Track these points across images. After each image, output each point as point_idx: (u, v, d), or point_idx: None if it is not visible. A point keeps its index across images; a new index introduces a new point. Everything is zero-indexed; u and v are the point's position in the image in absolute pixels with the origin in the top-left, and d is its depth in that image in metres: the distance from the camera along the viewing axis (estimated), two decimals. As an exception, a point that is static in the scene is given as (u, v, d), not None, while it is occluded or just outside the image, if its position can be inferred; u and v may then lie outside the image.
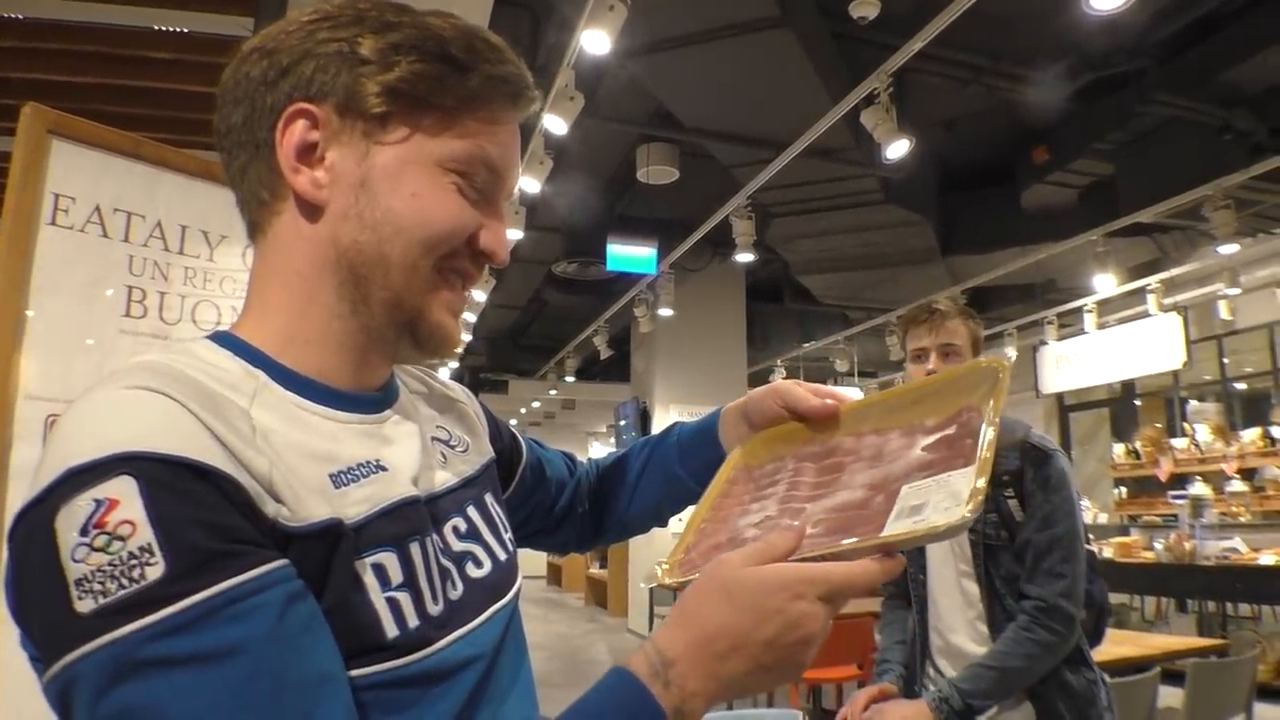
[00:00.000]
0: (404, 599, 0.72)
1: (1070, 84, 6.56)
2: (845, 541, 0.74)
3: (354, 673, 0.66)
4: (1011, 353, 10.21)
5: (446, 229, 0.77)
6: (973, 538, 2.21)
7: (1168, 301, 8.83)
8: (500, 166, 0.81)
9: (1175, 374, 9.89)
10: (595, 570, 14.07)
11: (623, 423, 11.82)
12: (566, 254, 9.50)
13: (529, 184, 6.01)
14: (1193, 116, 6.50)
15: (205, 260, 2.15)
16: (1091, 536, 2.38)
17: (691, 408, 10.93)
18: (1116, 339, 9.18)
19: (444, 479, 0.86)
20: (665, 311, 9.29)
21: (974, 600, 2.22)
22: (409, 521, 0.75)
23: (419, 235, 0.76)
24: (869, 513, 0.79)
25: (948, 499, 0.72)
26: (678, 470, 1.17)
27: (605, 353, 11.42)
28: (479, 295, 9.07)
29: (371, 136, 0.77)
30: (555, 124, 5.06)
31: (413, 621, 0.72)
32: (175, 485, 0.59)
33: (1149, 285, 8.49)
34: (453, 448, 0.93)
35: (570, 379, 13.80)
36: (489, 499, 0.93)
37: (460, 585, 0.80)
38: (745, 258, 7.38)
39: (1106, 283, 8.08)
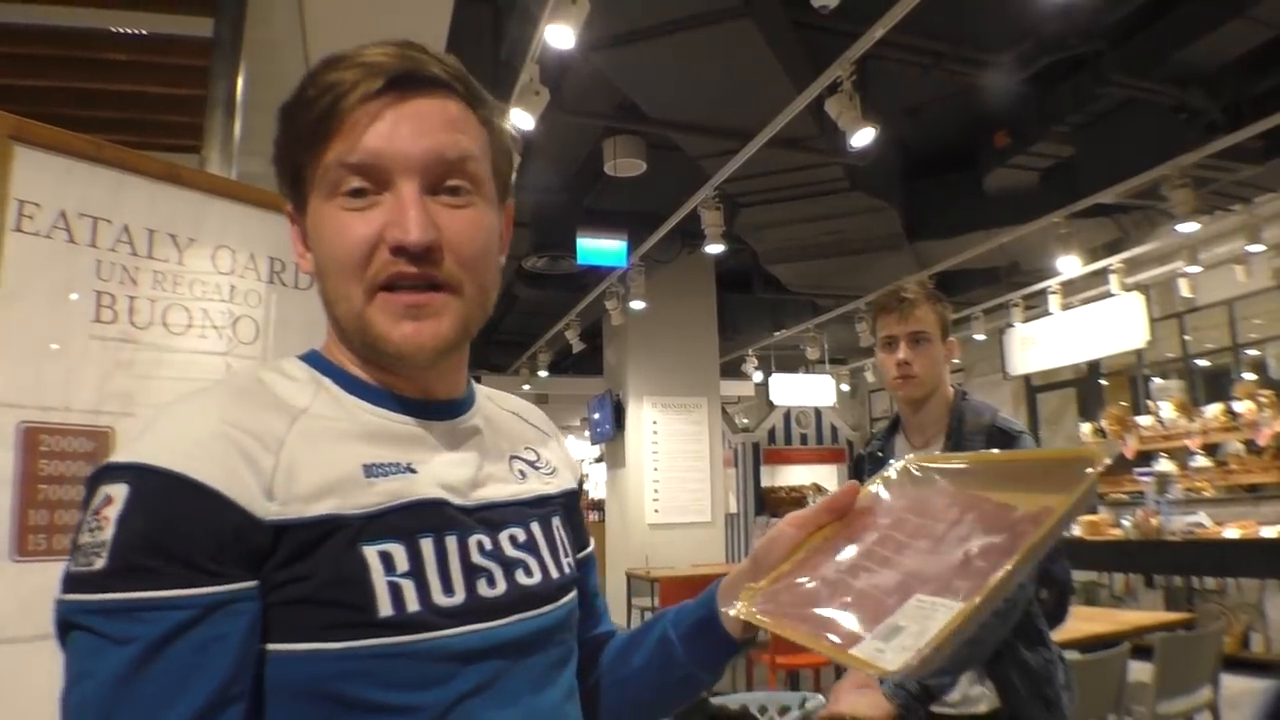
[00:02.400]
0: (407, 586, 0.80)
1: (1028, 68, 6.63)
2: (826, 642, 0.76)
3: (339, 644, 0.76)
4: (979, 336, 10.33)
5: (344, 253, 0.84)
6: None
7: (1129, 281, 8.95)
8: (373, 155, 0.83)
9: (1139, 353, 10.02)
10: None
11: (596, 416, 11.84)
12: (536, 249, 9.50)
13: (496, 179, 5.98)
14: (1149, 97, 6.58)
15: (174, 264, 2.14)
16: None
17: (665, 399, 10.97)
18: (1081, 319, 9.30)
19: (512, 491, 0.96)
20: (637, 304, 9.32)
21: None
22: (424, 519, 0.84)
23: (332, 270, 0.86)
24: (879, 611, 0.78)
25: (914, 635, 0.71)
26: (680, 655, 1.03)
27: (577, 346, 11.43)
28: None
29: (303, 210, 0.90)
30: (521, 119, 5.06)
31: (413, 607, 0.80)
32: (157, 500, 0.73)
33: (1111, 265, 8.61)
34: (537, 469, 1.03)
35: (543, 373, 13.80)
36: (556, 523, 1.01)
37: (504, 585, 0.88)
38: (715, 248, 7.41)
39: (1070, 264, 8.19)
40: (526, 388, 15.09)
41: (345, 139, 0.83)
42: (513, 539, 0.92)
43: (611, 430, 11.21)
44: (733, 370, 13.68)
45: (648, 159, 7.47)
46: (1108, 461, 0.77)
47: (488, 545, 0.89)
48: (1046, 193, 7.86)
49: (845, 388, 16.00)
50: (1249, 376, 9.17)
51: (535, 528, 0.96)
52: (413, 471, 0.85)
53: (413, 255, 0.82)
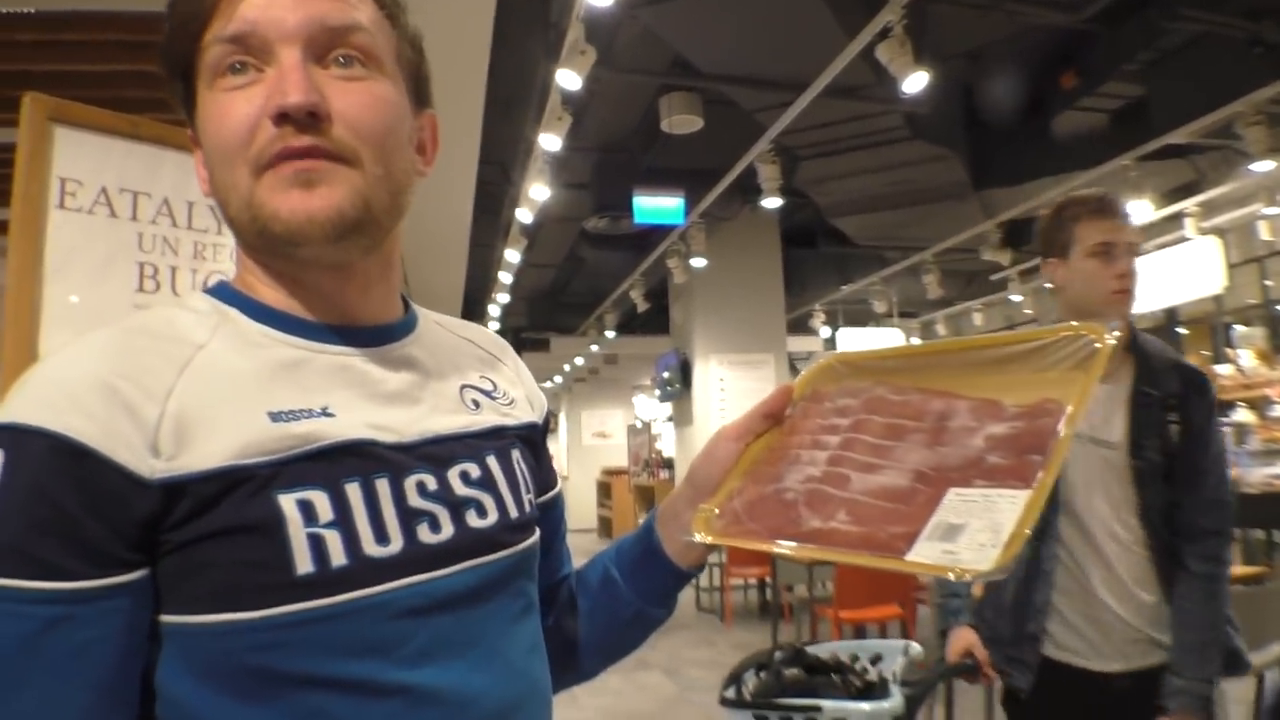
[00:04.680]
0: (331, 537, 0.72)
1: (1093, 4, 6.40)
2: (867, 554, 0.74)
3: (255, 613, 0.69)
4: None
5: (227, 134, 0.77)
6: (1139, 464, 2.01)
7: (1206, 225, 8.63)
8: (249, 24, 0.77)
9: (1217, 299, 9.69)
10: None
11: (665, 374, 11.85)
12: (596, 210, 9.49)
13: (550, 142, 6.01)
14: (1222, 30, 6.30)
15: (214, 234, 2.21)
16: None
17: (732, 356, 10.92)
18: (1156, 265, 8.99)
19: (463, 422, 0.87)
20: (698, 262, 9.28)
21: (1135, 536, 2.02)
22: (347, 464, 0.75)
23: (217, 159, 0.79)
24: (908, 510, 0.75)
25: (986, 531, 0.68)
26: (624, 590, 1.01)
27: (643, 306, 11.44)
28: (512, 255, 9.11)
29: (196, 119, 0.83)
30: (569, 79, 5.06)
31: (339, 560, 0.71)
32: (24, 467, 0.65)
33: (1186, 209, 8.32)
34: (493, 398, 0.94)
35: (611, 334, 13.84)
36: (517, 456, 0.91)
37: (451, 529, 0.79)
38: (773, 203, 7.33)
39: (1142, 208, 7.93)
40: (595, 348, 15.18)
41: (223, 15, 0.77)
42: (464, 475, 0.83)
43: (679, 388, 11.21)
44: (800, 326, 13.58)
45: (704, 115, 7.40)
46: (1115, 337, 0.72)
47: (431, 485, 0.80)
48: (1117, 135, 7.59)
49: (915, 340, 15.78)
50: None
51: (492, 462, 0.87)
52: (328, 415, 0.76)
53: (297, 122, 0.75)
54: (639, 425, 17.45)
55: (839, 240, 10.74)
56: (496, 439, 0.90)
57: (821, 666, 1.70)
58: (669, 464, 13.68)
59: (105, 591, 0.66)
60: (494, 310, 11.98)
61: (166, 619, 0.69)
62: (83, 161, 1.99)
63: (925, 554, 0.69)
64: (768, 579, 8.26)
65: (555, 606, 1.05)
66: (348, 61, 0.79)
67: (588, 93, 5.38)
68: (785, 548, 0.80)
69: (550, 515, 1.02)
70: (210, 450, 0.70)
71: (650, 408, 18.59)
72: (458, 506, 0.81)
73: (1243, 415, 8.32)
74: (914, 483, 0.78)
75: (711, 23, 5.99)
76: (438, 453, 0.82)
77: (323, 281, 0.82)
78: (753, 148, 7.02)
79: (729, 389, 10.95)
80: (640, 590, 0.98)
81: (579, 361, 16.88)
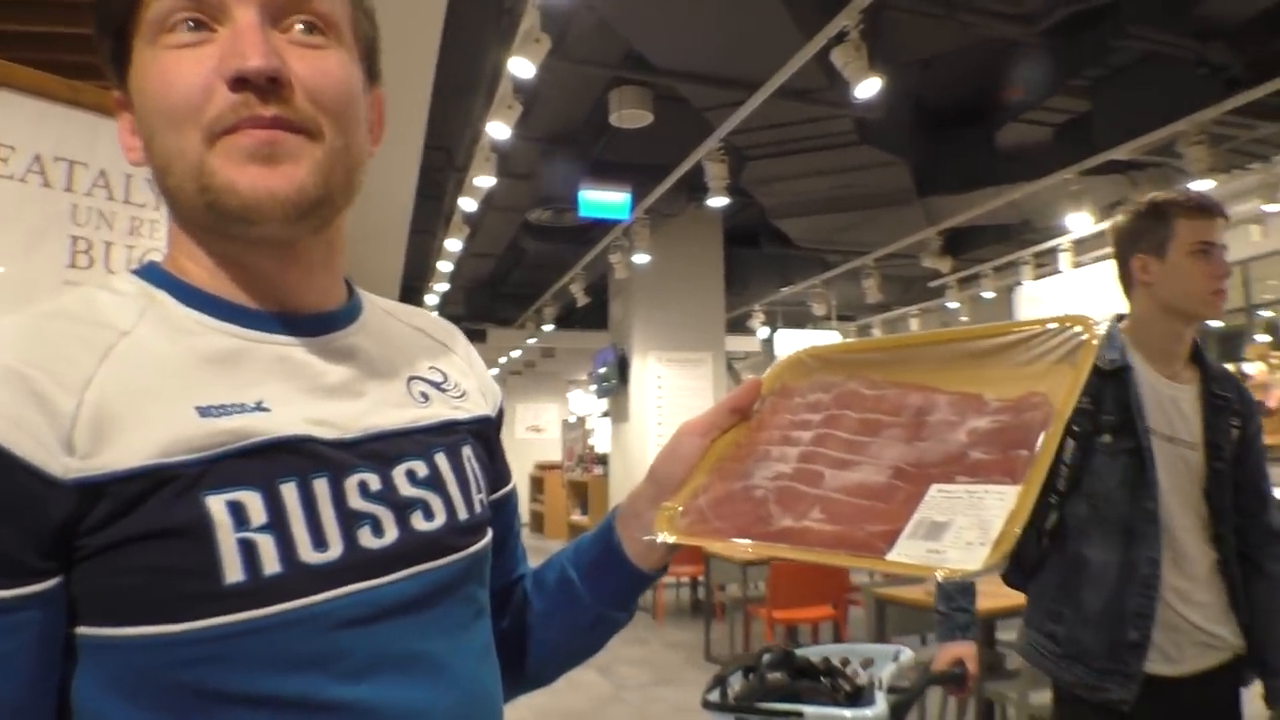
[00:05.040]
0: (264, 542, 0.66)
1: (1045, 20, 6.47)
2: (844, 554, 0.69)
3: (180, 625, 0.63)
4: (988, 294, 10.23)
5: (175, 96, 0.70)
6: (1219, 466, 2.00)
7: None
8: None
9: None
10: (577, 517, 14.14)
11: (602, 370, 11.81)
12: (540, 201, 9.40)
13: (498, 130, 5.90)
14: (1168, 50, 6.42)
15: (152, 210, 2.09)
16: None
17: (670, 354, 10.92)
18: (1091, 278, 9.18)
19: (411, 417, 0.81)
20: (641, 258, 9.24)
21: (1206, 535, 2.01)
22: (283, 462, 0.69)
23: (161, 123, 0.71)
24: (888, 507, 0.71)
25: (974, 528, 0.64)
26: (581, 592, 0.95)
27: (583, 300, 11.39)
28: (453, 244, 8.98)
29: (128, 81, 0.75)
30: (522, 67, 4.96)
31: (272, 567, 0.66)
32: None
33: None
34: (444, 391, 0.88)
35: (549, 327, 13.76)
36: (468, 452, 0.86)
37: (395, 532, 0.74)
38: (719, 201, 7.32)
39: (1081, 221, 8.09)
40: (532, 341, 15.09)
41: None
42: (410, 475, 0.77)
43: (616, 384, 11.18)
44: (739, 325, 13.62)
45: (654, 110, 7.34)
46: (1102, 329, 0.69)
47: (375, 485, 0.74)
48: (1060, 148, 7.72)
49: (853, 344, 15.92)
50: (1262, 338, 9.11)
51: (441, 460, 0.81)
52: (263, 410, 0.70)
53: (257, 88, 0.68)
54: (574, 420, 17.39)
55: (781, 241, 10.80)
56: (446, 434, 0.84)
57: (811, 670, 1.66)
58: (603, 460, 13.65)
59: (16, 603, 0.60)
60: (432, 299, 11.83)
61: (84, 631, 0.64)
62: (16, 126, 1.87)
63: (908, 553, 0.65)
64: (700, 577, 8.27)
65: (509, 609, 0.99)
66: (309, 28, 0.73)
67: (538, 82, 5.28)
68: (755, 547, 0.76)
69: (503, 513, 0.96)
70: (132, 447, 0.64)
71: (586, 403, 18.53)
72: (403, 508, 0.75)
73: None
74: (893, 479, 0.74)
75: (667, 17, 5.94)
76: (382, 450, 0.77)
77: (264, 264, 0.76)
78: (701, 145, 6.99)
79: (666, 386, 10.94)
80: (599, 593, 0.93)
81: (516, 354, 16.78)
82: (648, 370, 10.92)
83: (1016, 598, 4.00)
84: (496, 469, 0.95)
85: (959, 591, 2.16)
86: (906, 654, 1.72)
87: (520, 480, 15.00)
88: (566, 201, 8.87)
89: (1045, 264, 9.80)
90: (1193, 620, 1.97)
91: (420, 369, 0.87)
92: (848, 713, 1.50)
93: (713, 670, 5.78)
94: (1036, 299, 9.95)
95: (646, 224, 8.93)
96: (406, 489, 0.76)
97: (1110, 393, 1.97)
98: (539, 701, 5.54)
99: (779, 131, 7.48)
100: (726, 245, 11.33)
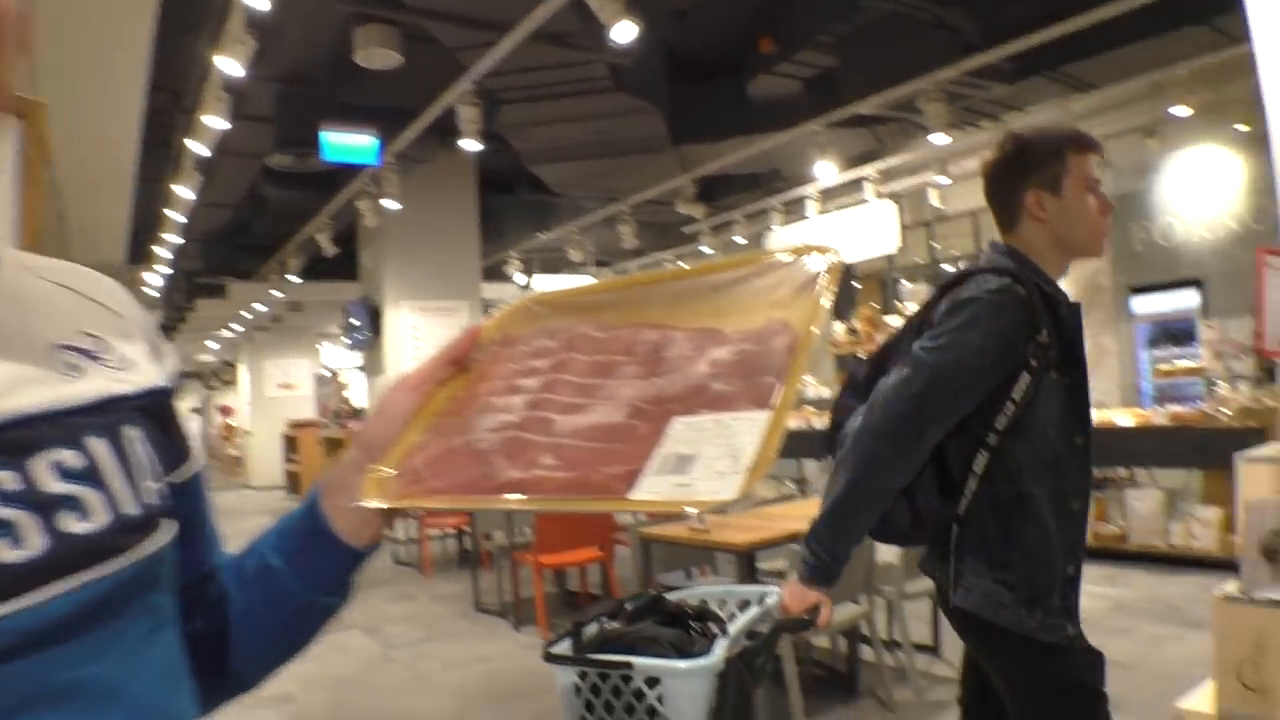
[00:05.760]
0: None
1: (795, -28, 6.64)
2: (577, 501, 0.64)
3: None
4: (740, 239, 10.56)
5: None
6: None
7: (883, 190, 9.43)
8: None
9: (890, 258, 10.65)
10: (334, 476, 13.65)
11: (354, 322, 11.38)
12: (280, 145, 8.86)
13: (230, 67, 5.44)
14: (910, 12, 6.74)
15: None
16: None
17: (425, 303, 10.67)
18: (837, 225, 9.67)
19: (55, 396, 0.65)
20: (391, 205, 8.93)
21: None
22: None
23: None
24: (627, 447, 0.66)
25: (725, 457, 0.60)
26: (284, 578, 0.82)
27: (330, 250, 10.94)
28: (185, 191, 8.31)
29: None
30: (255, -1, 4.57)
31: None
32: None
33: (866, 175, 8.99)
34: (100, 360, 0.71)
35: (295, 279, 13.11)
36: (135, 434, 0.70)
37: (40, 540, 0.59)
38: (472, 146, 7.11)
39: (828, 171, 8.45)
40: (278, 294, 14.34)
41: None
42: (57, 467, 0.62)
43: (369, 336, 10.83)
44: (496, 273, 13.46)
45: (403, 50, 7.00)
46: (836, 257, 0.66)
47: (10, 484, 0.59)
48: (808, 101, 8.02)
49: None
50: None
51: (97, 445, 0.66)
52: None
53: None
54: (327, 375, 16.75)
55: (537, 188, 10.77)
56: (104, 414, 0.68)
57: (681, 615, 1.59)
58: (360, 414, 13.25)
59: None
60: (164, 253, 10.97)
61: None
62: None
63: (654, 489, 0.61)
64: (466, 528, 8.16)
65: (202, 608, 0.83)
66: None
67: (275, 17, 4.89)
68: (480, 501, 0.72)
69: (189, 497, 0.79)
70: None
71: (339, 356, 17.85)
72: (48, 508, 0.60)
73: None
74: (631, 418, 0.70)
75: (413, -50, 5.64)
76: (16, 439, 0.61)
77: None
78: (453, 88, 6.75)
79: (422, 336, 10.72)
80: (308, 577, 0.81)
81: (260, 308, 15.88)
82: (401, 320, 10.65)
83: (776, 529, 4.19)
84: (175, 447, 0.78)
85: (837, 539, 1.89)
86: (772, 596, 1.67)
87: (272, 440, 14.34)
88: (309, 146, 8.38)
89: (794, 212, 10.24)
90: None
91: (69, 335, 0.70)
92: (680, 664, 1.44)
93: (484, 622, 5.69)
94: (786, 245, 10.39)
95: (396, 170, 8.61)
96: (52, 485, 0.61)
97: (1048, 325, 1.85)
98: (305, 670, 5.27)
99: (534, 75, 7.36)
100: (481, 192, 11.16)
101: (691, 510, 0.59)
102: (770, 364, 0.67)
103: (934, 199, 9.64)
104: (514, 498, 0.68)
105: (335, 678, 5.23)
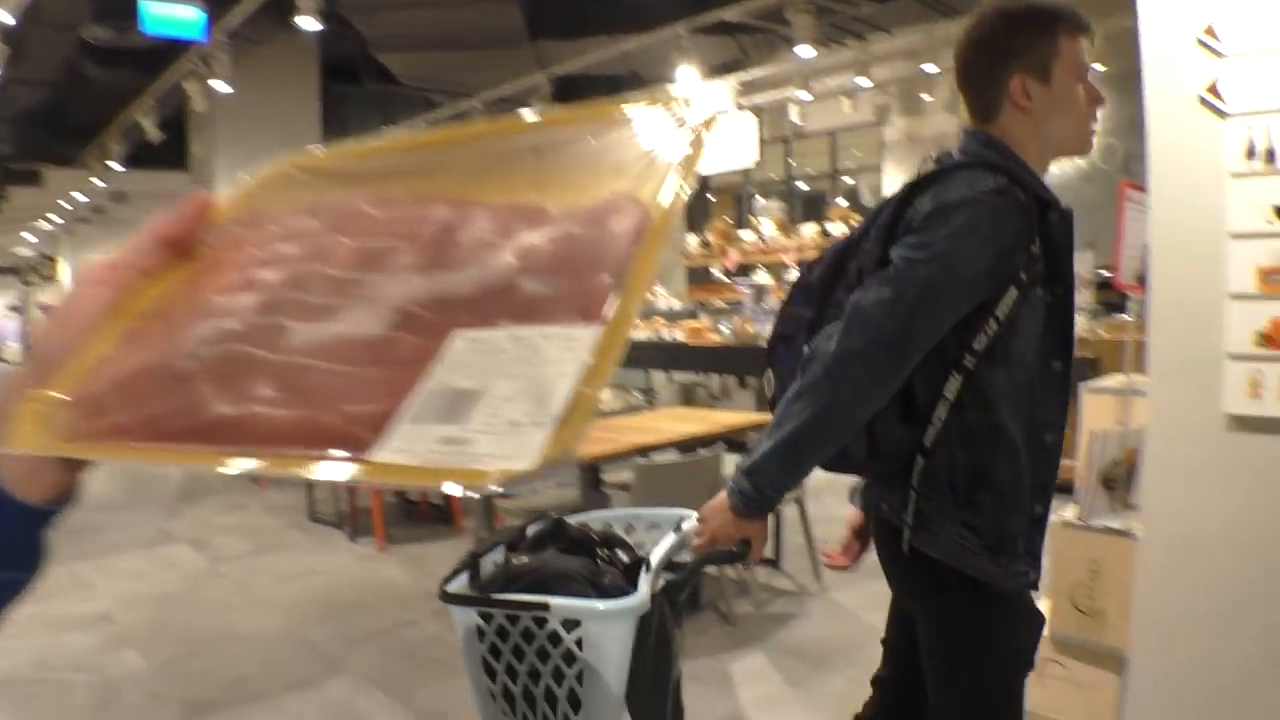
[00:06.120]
0: None
1: None
2: (292, 462, 0.42)
3: None
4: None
5: None
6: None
7: (745, 102, 9.38)
8: None
9: (746, 172, 10.69)
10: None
11: (184, 215, 10.75)
12: (97, 16, 8.16)
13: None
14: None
15: None
16: None
17: (263, 199, 10.16)
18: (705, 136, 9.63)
19: None
20: (223, 87, 8.34)
21: None
22: None
23: None
24: (383, 373, 0.46)
25: (523, 398, 0.40)
26: None
27: (156, 136, 10.22)
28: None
29: None
30: None
31: None
32: None
33: (729, 84, 8.96)
34: None
35: (117, 166, 12.24)
36: None
37: None
38: (311, 25, 6.65)
39: (689, 76, 8.31)
40: (98, 182, 13.44)
41: None
42: None
43: (201, 231, 10.27)
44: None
45: (232, -87, 6.45)
46: (713, 110, 0.50)
47: None
48: (673, 4, 7.87)
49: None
50: (843, 201, 10.17)
51: None
52: None
53: None
54: (155, 271, 15.88)
55: (384, 78, 10.37)
56: None
57: (587, 543, 1.40)
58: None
59: None
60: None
61: None
62: None
63: (408, 446, 0.41)
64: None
65: None
66: None
67: None
68: (169, 453, 0.48)
69: None
70: None
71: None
72: None
73: (762, 277, 9.19)
74: (395, 330, 0.49)
75: None
76: None
77: None
78: (290, -41, 6.25)
79: (259, 234, 10.23)
80: None
81: (81, 198, 14.89)
82: (237, 215, 10.11)
83: (622, 442, 4.08)
84: None
85: (789, 473, 1.64)
86: (690, 521, 1.50)
87: (88, 340, 13.90)
88: (129, 17, 7.71)
89: (653, 116, 10.14)
90: None
91: None
92: (602, 604, 1.27)
93: (318, 533, 5.35)
94: (644, 151, 10.30)
95: (228, 49, 8.04)
96: None
97: (1036, 233, 1.61)
98: (124, 588, 4.96)
99: (379, -48, 6.90)
100: (323, 79, 10.67)
101: (456, 488, 0.38)
102: (606, 256, 0.47)
103: (794, 115, 9.67)
104: (206, 450, 0.46)
105: (157, 595, 4.90)
